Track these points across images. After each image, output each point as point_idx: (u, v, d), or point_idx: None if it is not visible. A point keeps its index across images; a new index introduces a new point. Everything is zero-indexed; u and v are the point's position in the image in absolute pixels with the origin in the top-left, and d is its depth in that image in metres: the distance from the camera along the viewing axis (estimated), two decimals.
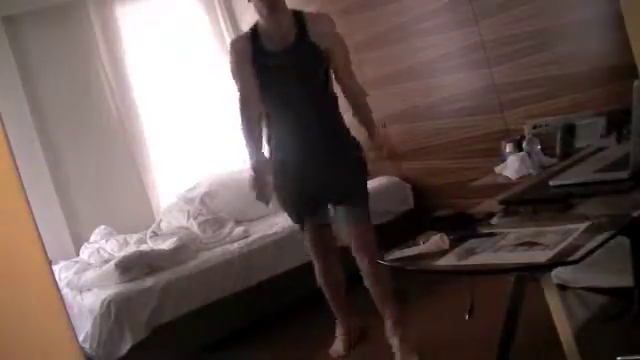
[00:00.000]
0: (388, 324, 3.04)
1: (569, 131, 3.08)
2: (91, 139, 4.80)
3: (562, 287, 2.69)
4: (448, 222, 2.08)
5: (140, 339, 3.36)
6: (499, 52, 3.54)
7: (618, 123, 2.81)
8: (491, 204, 2.28)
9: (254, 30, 2.93)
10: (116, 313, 3.36)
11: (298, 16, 2.90)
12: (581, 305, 2.72)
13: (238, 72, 2.94)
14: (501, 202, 2.24)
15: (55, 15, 4.74)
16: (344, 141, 3.00)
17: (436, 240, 1.94)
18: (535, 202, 2.16)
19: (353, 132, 3.06)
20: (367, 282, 3.02)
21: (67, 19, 4.79)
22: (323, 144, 2.92)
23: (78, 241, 4.58)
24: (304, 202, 3.04)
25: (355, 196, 2.98)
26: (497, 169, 3.34)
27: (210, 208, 4.46)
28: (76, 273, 3.87)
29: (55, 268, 3.97)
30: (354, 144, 3.03)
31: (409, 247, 2.00)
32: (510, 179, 3.14)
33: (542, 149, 3.04)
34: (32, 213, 1.14)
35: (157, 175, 4.97)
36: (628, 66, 2.43)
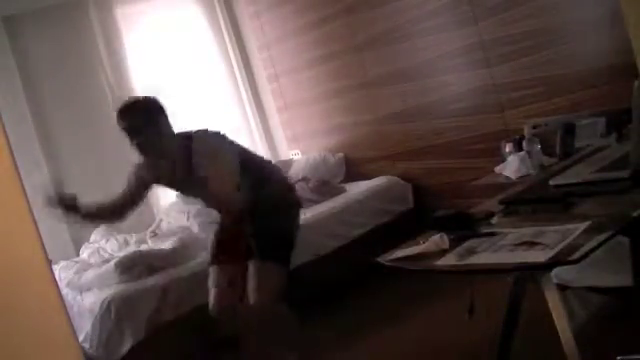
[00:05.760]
0: None
1: (569, 131, 3.08)
2: (91, 139, 4.80)
3: (562, 287, 2.69)
4: (448, 222, 2.08)
5: (140, 339, 3.36)
6: (499, 52, 3.54)
7: (618, 123, 2.81)
8: (491, 204, 2.28)
9: None
10: (116, 313, 3.36)
11: None
12: (581, 305, 2.72)
13: None
14: (501, 202, 2.24)
15: (55, 15, 4.74)
16: None
17: (436, 240, 1.94)
18: (535, 202, 2.15)
19: None
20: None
21: (67, 19, 4.79)
22: None
23: (78, 241, 4.58)
24: None
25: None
26: (497, 169, 3.34)
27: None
28: (76, 273, 3.87)
29: (55, 268, 3.96)
30: None
31: (409, 247, 2.00)
32: (510, 179, 3.13)
33: (542, 149, 3.04)
34: (32, 213, 1.14)
35: None
36: (628, 66, 2.43)
